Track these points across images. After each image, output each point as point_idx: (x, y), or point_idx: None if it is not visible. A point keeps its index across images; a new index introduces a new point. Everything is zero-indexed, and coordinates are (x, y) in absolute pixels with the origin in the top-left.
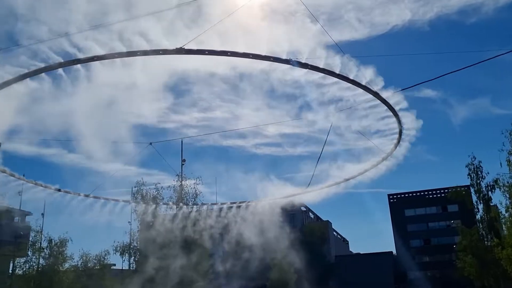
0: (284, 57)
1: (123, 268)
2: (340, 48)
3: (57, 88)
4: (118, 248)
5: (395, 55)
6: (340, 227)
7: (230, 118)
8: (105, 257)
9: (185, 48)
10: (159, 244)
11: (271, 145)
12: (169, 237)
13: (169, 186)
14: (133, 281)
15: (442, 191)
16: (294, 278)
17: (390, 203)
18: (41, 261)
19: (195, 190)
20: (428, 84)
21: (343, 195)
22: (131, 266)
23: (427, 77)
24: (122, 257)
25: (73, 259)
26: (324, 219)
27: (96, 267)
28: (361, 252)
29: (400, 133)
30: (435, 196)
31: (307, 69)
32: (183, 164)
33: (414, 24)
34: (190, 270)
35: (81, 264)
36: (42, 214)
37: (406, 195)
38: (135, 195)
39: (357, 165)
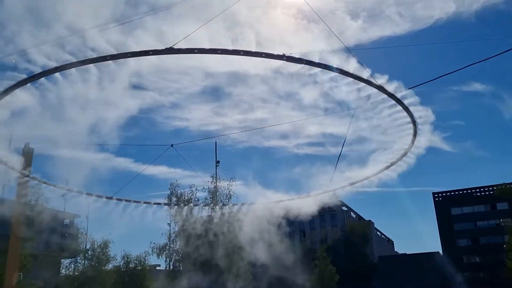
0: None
1: (168, 269)
2: (349, 50)
3: (91, 90)
4: (155, 249)
5: (439, 48)
6: (384, 227)
7: (270, 118)
8: (146, 258)
9: (175, 47)
10: (198, 245)
11: (313, 144)
12: (207, 238)
13: (203, 188)
14: (178, 282)
15: (491, 188)
16: (336, 279)
17: (435, 201)
18: (86, 262)
19: (229, 191)
20: (477, 77)
21: (386, 194)
22: (168, 266)
23: (474, 71)
24: (158, 258)
25: (116, 259)
26: (366, 219)
27: (138, 268)
28: (407, 253)
29: (414, 124)
30: (483, 193)
31: (302, 64)
32: (218, 166)
33: (459, 16)
34: (230, 272)
35: (123, 265)
36: (87, 217)
37: (453, 193)
38: (170, 197)
39: (381, 164)
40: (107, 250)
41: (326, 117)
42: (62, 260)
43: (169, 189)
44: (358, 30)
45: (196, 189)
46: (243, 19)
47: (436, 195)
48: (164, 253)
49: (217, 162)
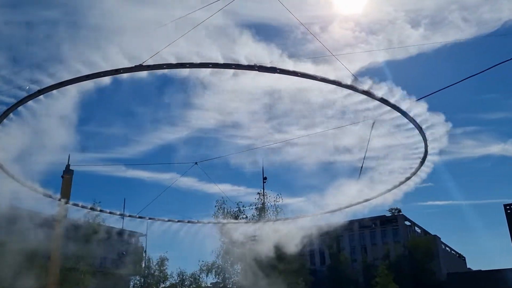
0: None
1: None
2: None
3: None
4: (204, 267)
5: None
6: (455, 243)
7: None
8: (200, 276)
9: (144, 64)
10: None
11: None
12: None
13: (250, 205)
14: None
15: None
16: None
17: (507, 213)
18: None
19: (276, 207)
20: None
21: (454, 207)
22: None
23: None
24: (207, 276)
25: (173, 277)
26: (433, 234)
27: (192, 286)
28: (482, 269)
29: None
30: None
31: (276, 73)
32: (265, 182)
33: None
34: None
35: (179, 282)
36: (145, 235)
37: None
38: (216, 214)
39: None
40: (164, 268)
41: None
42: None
43: (215, 206)
44: (419, 38)
45: (243, 206)
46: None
47: (508, 207)
48: (213, 271)
49: (264, 178)
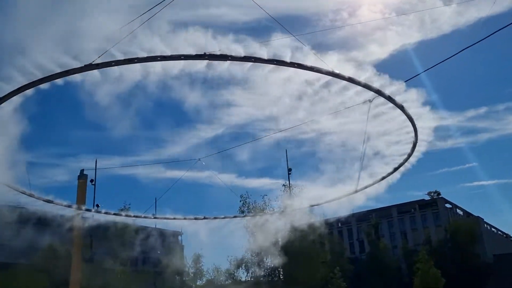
0: None
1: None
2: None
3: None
4: (233, 262)
5: None
6: (501, 223)
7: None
8: (235, 271)
9: (94, 63)
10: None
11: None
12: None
13: (276, 197)
14: None
15: None
16: (441, 282)
17: None
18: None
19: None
20: None
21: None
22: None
23: None
24: (237, 271)
25: (209, 273)
26: (476, 215)
27: (228, 282)
28: None
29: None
30: None
31: (227, 60)
32: (290, 174)
33: None
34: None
35: (215, 278)
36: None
37: None
38: (242, 208)
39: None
40: (200, 265)
41: None
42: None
43: (240, 201)
44: (453, 15)
45: (268, 199)
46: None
47: None
48: (243, 265)
49: (289, 170)
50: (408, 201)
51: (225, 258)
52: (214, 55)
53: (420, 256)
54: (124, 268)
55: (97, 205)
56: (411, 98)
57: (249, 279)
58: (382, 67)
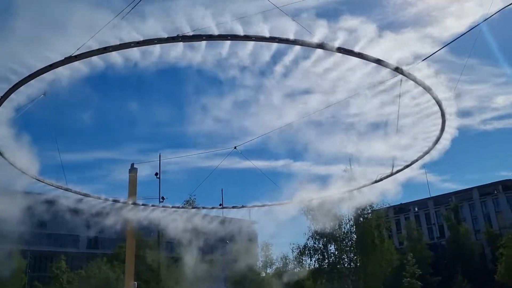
0: None
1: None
2: None
3: None
4: (295, 249)
5: None
6: None
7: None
8: (302, 259)
9: (74, 55)
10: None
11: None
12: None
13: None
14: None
15: None
16: None
17: None
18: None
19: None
20: None
21: None
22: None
23: None
24: (301, 258)
25: (278, 261)
26: None
27: (296, 269)
28: None
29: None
30: None
31: (202, 40)
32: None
33: None
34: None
35: (283, 267)
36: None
37: None
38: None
39: None
40: (269, 253)
41: None
42: None
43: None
44: None
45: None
46: None
47: None
48: (306, 252)
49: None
50: (491, 182)
51: (287, 246)
52: (187, 36)
53: (504, 240)
54: (195, 257)
55: (163, 198)
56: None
57: (313, 266)
58: (460, 41)
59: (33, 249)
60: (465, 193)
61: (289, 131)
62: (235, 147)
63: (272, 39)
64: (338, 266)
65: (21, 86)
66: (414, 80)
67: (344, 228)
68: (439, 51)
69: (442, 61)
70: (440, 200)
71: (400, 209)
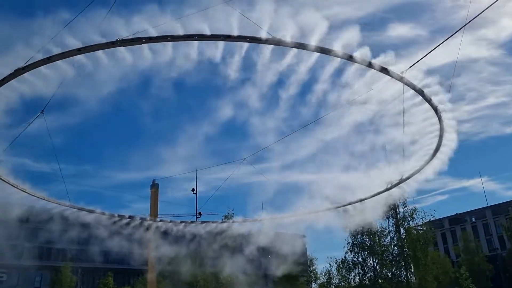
0: None
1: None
2: None
3: None
4: (333, 263)
5: None
6: None
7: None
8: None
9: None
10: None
11: None
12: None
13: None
14: None
15: None
16: None
17: None
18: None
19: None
20: None
21: None
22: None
23: None
24: (346, 274)
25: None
26: None
27: (342, 284)
28: None
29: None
30: None
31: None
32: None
33: None
34: None
35: (326, 282)
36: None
37: None
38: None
39: None
40: (313, 267)
41: None
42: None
43: None
44: None
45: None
46: None
47: None
48: (345, 266)
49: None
50: None
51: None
52: (126, 39)
53: None
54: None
55: (199, 213)
56: None
57: (353, 281)
58: None
59: (83, 266)
60: None
61: None
62: (244, 159)
63: None
64: (380, 281)
65: None
66: None
67: (384, 241)
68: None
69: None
70: (499, 209)
71: (456, 219)
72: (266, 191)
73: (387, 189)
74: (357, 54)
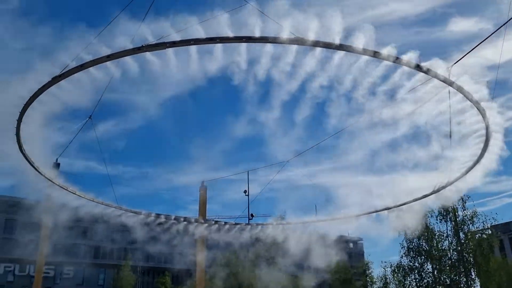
0: None
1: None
2: None
3: None
4: (387, 267)
5: None
6: None
7: None
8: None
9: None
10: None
11: None
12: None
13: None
14: None
15: None
16: None
17: None
18: None
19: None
20: None
21: None
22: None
23: None
24: (403, 280)
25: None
26: None
27: None
28: None
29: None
30: None
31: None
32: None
33: None
34: None
35: (383, 286)
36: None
37: None
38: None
39: None
40: (369, 271)
41: None
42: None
43: None
44: None
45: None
46: None
47: None
48: (400, 271)
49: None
50: None
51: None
52: (151, 45)
53: None
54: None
55: (252, 215)
56: None
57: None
58: None
59: (142, 265)
60: None
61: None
62: (287, 161)
63: None
64: (439, 287)
65: None
66: None
67: (442, 245)
68: None
69: None
70: None
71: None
72: (317, 194)
73: (434, 192)
74: (404, 57)
